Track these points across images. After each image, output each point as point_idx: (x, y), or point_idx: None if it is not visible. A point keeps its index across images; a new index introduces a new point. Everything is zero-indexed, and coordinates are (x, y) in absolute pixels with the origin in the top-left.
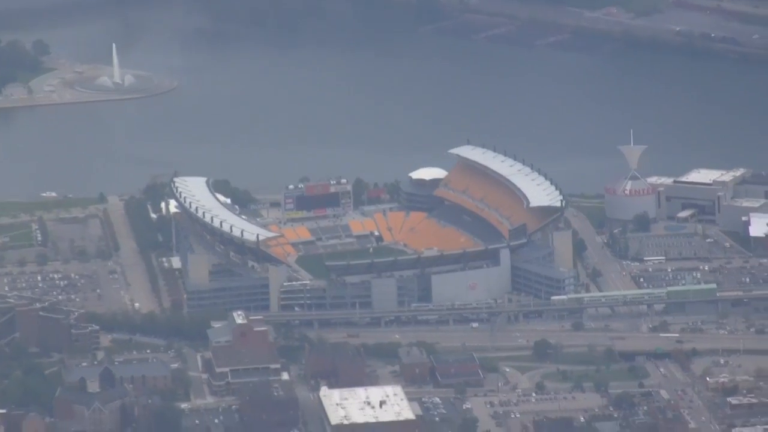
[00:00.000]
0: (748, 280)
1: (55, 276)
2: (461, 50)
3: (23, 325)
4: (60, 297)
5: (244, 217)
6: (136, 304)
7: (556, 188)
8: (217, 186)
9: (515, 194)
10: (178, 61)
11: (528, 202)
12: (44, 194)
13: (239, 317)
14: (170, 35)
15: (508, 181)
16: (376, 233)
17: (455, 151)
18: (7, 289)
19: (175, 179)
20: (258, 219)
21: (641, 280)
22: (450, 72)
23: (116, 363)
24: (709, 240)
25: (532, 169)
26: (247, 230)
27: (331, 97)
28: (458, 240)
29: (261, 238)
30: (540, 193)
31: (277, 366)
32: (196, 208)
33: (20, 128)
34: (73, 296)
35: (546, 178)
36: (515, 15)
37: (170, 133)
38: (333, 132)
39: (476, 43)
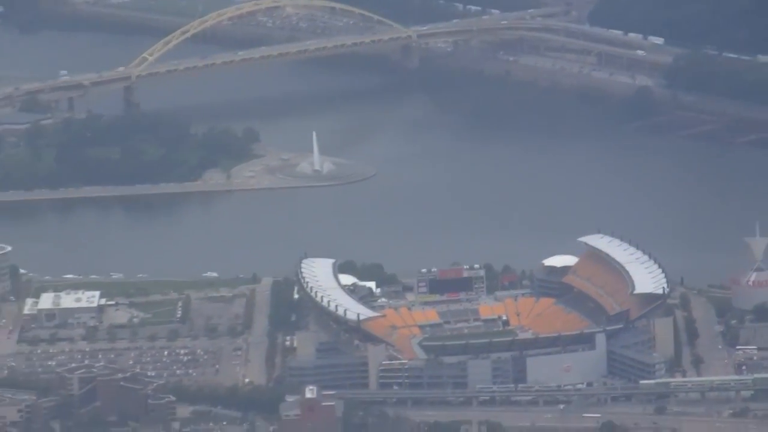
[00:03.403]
0: None
1: (181, 351)
2: (658, 147)
3: (103, 395)
4: (178, 371)
5: (383, 299)
6: (247, 380)
7: (666, 277)
8: (370, 270)
9: (628, 282)
10: (386, 151)
11: (633, 289)
12: (205, 274)
13: (310, 392)
14: (387, 127)
15: (623, 268)
16: (504, 317)
17: (584, 239)
18: (131, 362)
19: (303, 261)
20: (387, 301)
21: (743, 368)
22: (630, 167)
23: None
24: None
25: (649, 257)
26: (352, 310)
27: (509, 186)
28: (579, 325)
29: (362, 317)
30: (648, 280)
31: None
32: (311, 287)
33: (214, 212)
34: (191, 371)
35: (660, 267)
36: (724, 112)
37: (354, 220)
38: (498, 218)
39: (678, 139)
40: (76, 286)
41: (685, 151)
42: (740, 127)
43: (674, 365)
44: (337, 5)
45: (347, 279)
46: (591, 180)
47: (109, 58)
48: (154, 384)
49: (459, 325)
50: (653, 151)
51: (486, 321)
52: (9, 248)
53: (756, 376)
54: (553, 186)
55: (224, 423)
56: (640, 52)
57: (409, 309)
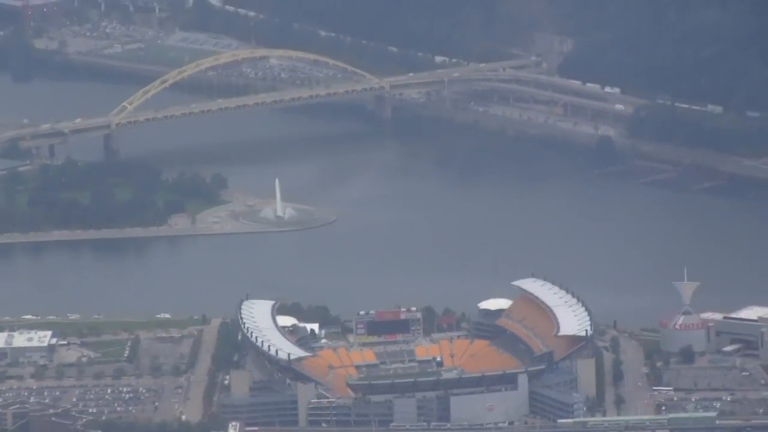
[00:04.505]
0: (761, 411)
1: (124, 389)
2: (614, 194)
3: (36, 430)
4: (119, 408)
5: (324, 340)
6: (183, 417)
7: (591, 320)
8: (315, 312)
9: (555, 324)
10: (352, 197)
11: (558, 331)
12: (158, 315)
13: (233, 428)
14: (357, 174)
15: (551, 311)
16: (439, 358)
17: (517, 283)
18: (74, 400)
19: (244, 303)
20: (328, 342)
21: (663, 408)
22: (583, 213)
23: None
24: (744, 373)
25: (578, 301)
26: (283, 350)
27: (463, 230)
28: (510, 366)
29: (292, 357)
30: (573, 323)
31: None
32: (249, 328)
33: (178, 255)
34: (131, 408)
35: (586, 310)
36: (681, 161)
37: (309, 263)
38: (447, 261)
39: (633, 187)
40: (32, 326)
41: (639, 198)
42: (696, 175)
43: (596, 405)
44: (313, 57)
45: (288, 320)
46: (542, 225)
47: (96, 106)
48: (84, 419)
49: (395, 365)
50: (608, 198)
51: (421, 362)
52: None
53: (671, 415)
54: (505, 230)
55: None
56: (618, 107)
57: (348, 350)
